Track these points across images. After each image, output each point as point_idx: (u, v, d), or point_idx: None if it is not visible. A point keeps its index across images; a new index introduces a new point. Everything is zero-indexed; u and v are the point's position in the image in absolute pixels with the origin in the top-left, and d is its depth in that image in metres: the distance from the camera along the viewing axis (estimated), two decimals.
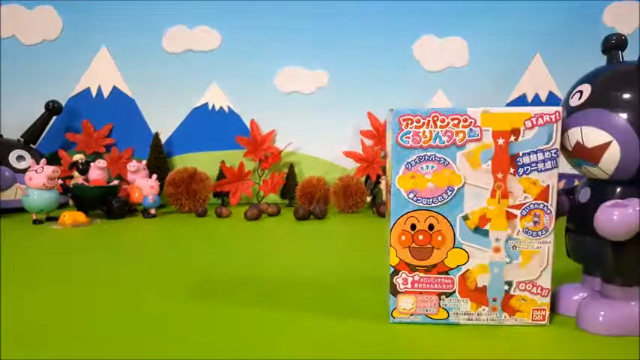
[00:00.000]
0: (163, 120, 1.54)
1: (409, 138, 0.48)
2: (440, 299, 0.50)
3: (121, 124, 1.55)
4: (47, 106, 1.46)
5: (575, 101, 0.48)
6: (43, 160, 1.17)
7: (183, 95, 1.54)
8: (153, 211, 1.24)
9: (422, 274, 0.49)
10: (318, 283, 0.65)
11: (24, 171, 1.24)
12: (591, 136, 0.45)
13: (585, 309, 0.49)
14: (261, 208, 1.25)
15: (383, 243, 0.54)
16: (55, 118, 1.52)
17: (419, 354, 0.44)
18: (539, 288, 0.49)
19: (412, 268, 0.50)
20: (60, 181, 1.20)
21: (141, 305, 0.56)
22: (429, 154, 0.48)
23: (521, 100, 1.48)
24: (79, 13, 1.53)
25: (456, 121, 0.47)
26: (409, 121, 0.48)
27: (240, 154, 1.51)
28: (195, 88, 1.54)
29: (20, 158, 1.38)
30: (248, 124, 1.52)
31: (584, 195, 0.50)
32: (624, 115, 0.44)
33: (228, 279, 0.67)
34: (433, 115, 0.47)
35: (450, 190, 0.48)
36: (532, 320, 0.50)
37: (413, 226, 0.49)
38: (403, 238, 0.49)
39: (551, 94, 1.47)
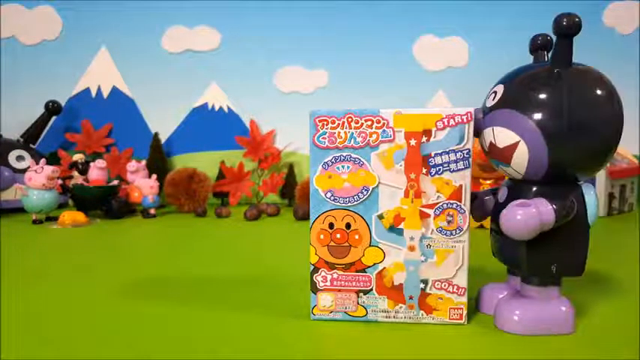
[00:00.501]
0: (163, 120, 1.54)
1: (325, 139, 0.49)
2: (358, 297, 0.51)
3: (121, 124, 1.55)
4: (47, 106, 1.46)
5: (490, 102, 0.48)
6: (43, 160, 1.17)
7: (183, 95, 1.54)
8: (152, 211, 1.24)
9: (340, 272, 0.51)
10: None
11: (23, 171, 1.24)
12: (501, 136, 0.46)
13: (501, 308, 0.49)
14: (260, 208, 1.25)
15: None
16: (54, 118, 1.52)
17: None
18: (456, 287, 0.50)
19: (331, 266, 0.51)
20: (59, 181, 1.20)
21: (137, 306, 0.56)
22: (344, 154, 0.49)
23: None
24: (79, 13, 1.53)
25: (369, 122, 0.48)
26: (325, 122, 0.49)
27: (239, 154, 1.51)
28: (195, 88, 1.54)
29: (20, 158, 1.38)
30: (248, 124, 1.52)
31: (502, 195, 0.50)
32: (532, 116, 0.44)
33: (222, 279, 0.67)
34: (347, 116, 0.49)
35: (366, 190, 0.49)
36: (449, 319, 0.50)
37: (331, 225, 0.50)
38: (322, 236, 0.50)
39: None
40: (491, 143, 0.47)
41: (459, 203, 0.49)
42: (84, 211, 1.18)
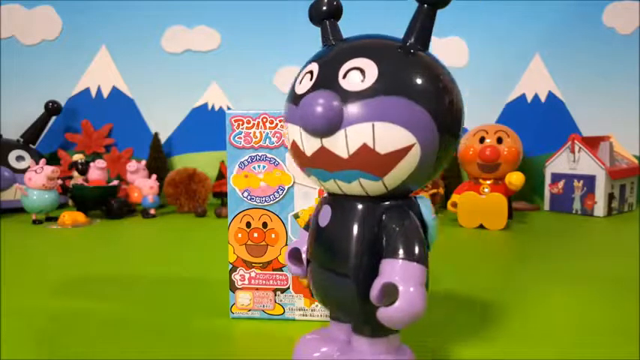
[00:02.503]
0: (163, 120, 1.54)
1: (241, 138, 0.50)
2: (275, 295, 0.52)
3: (121, 124, 1.55)
4: (46, 106, 1.46)
5: (354, 83, 0.31)
6: (43, 161, 1.17)
7: (183, 95, 1.54)
8: (152, 211, 1.24)
9: (258, 271, 0.51)
10: None
11: (23, 171, 1.24)
12: (388, 137, 0.31)
13: None
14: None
15: None
16: (54, 118, 1.51)
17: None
18: None
19: (249, 265, 0.52)
20: (59, 182, 1.20)
21: (143, 305, 0.56)
22: (260, 154, 0.50)
23: (520, 100, 1.48)
24: (79, 13, 1.53)
25: (284, 123, 0.48)
26: (240, 122, 0.50)
27: None
28: (195, 88, 1.54)
29: (20, 158, 1.38)
30: None
31: (324, 216, 0.36)
32: (428, 108, 0.31)
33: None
34: (262, 116, 0.50)
35: (281, 190, 0.50)
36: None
37: (248, 224, 0.51)
38: (239, 235, 0.51)
39: (550, 94, 1.47)
40: (363, 146, 0.31)
41: None
42: (84, 211, 1.18)
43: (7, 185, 1.29)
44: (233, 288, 0.52)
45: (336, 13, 0.37)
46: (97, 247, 0.90)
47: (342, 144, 0.31)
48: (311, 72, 0.34)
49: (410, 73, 0.32)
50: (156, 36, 1.53)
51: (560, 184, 1.32)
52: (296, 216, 0.50)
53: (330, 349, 0.37)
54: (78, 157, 1.43)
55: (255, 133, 0.50)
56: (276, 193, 0.50)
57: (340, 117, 0.31)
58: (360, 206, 0.34)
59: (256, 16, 1.51)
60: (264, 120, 0.50)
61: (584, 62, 1.45)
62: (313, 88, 0.32)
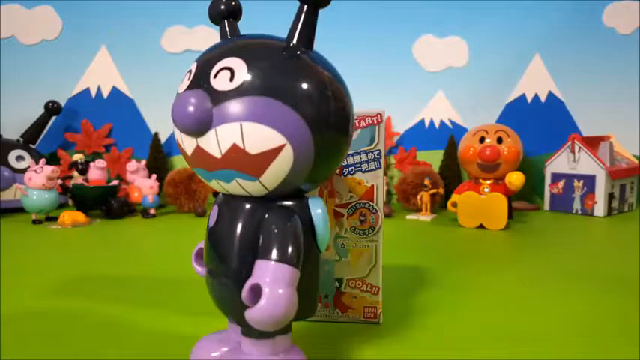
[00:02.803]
0: (163, 120, 1.54)
1: None
2: None
3: (121, 124, 1.55)
4: (46, 106, 1.46)
5: (223, 83, 0.32)
6: (43, 161, 1.17)
7: None
8: (152, 211, 1.24)
9: None
10: None
11: (23, 171, 1.24)
12: (257, 137, 0.31)
13: None
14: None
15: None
16: (54, 118, 1.51)
17: None
18: (369, 285, 0.50)
19: None
20: (59, 182, 1.20)
21: (143, 305, 0.56)
22: None
23: (520, 100, 1.48)
24: (79, 13, 1.53)
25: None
26: None
27: None
28: None
29: (20, 158, 1.38)
30: None
31: (212, 216, 0.36)
32: (299, 109, 0.32)
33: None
34: None
35: None
36: (364, 317, 0.51)
37: None
38: None
39: (550, 94, 1.47)
40: (234, 146, 0.31)
41: (371, 203, 0.49)
42: (84, 211, 1.18)
43: (7, 185, 1.29)
44: None
45: (234, 13, 0.37)
46: (97, 247, 0.90)
47: (214, 144, 0.32)
48: (190, 71, 0.34)
49: (281, 74, 0.32)
50: (156, 36, 1.53)
51: (560, 184, 1.32)
52: None
53: (224, 351, 0.38)
54: (78, 157, 1.43)
55: None
56: None
57: (210, 117, 0.31)
58: (244, 206, 0.34)
59: (256, 16, 1.51)
60: None
61: (584, 62, 1.45)
62: (188, 87, 0.33)
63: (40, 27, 1.53)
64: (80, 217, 1.12)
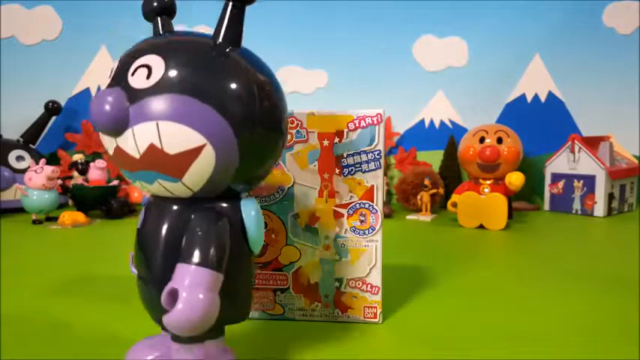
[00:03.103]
0: None
1: None
2: (275, 295, 0.51)
3: None
4: (46, 106, 1.46)
5: (140, 81, 0.31)
6: (43, 161, 1.17)
7: None
8: None
9: (258, 271, 0.51)
10: None
11: (23, 171, 1.24)
12: (174, 137, 0.30)
13: None
14: None
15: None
16: (54, 118, 1.51)
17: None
18: (369, 285, 0.50)
19: None
20: (59, 182, 1.20)
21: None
22: None
23: (520, 100, 1.48)
24: (79, 13, 1.53)
25: None
26: None
27: None
28: None
29: (20, 158, 1.38)
30: None
31: (141, 218, 0.36)
32: (221, 108, 0.31)
33: None
34: None
35: (281, 190, 0.50)
36: (364, 317, 0.51)
37: None
38: None
39: (550, 94, 1.47)
40: (151, 146, 0.30)
41: (371, 203, 0.49)
42: (84, 211, 1.18)
43: (7, 185, 1.29)
44: None
45: (167, 10, 0.36)
46: (97, 247, 0.90)
47: (132, 144, 0.31)
48: (112, 69, 0.34)
49: (200, 72, 0.31)
50: None
51: (560, 184, 1.32)
52: (296, 216, 0.50)
53: (156, 356, 0.37)
54: (78, 157, 1.43)
55: None
56: (276, 193, 0.50)
57: (126, 116, 0.30)
58: (171, 208, 0.34)
59: (256, 16, 1.51)
60: None
61: (584, 62, 1.45)
62: (108, 86, 0.32)
63: (40, 27, 1.53)
64: (80, 217, 1.12)
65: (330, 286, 0.51)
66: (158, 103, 0.30)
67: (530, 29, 1.47)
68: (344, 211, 0.50)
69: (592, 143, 1.28)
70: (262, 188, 0.50)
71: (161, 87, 0.30)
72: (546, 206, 1.35)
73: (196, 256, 0.30)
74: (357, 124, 0.48)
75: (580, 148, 1.27)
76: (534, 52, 1.47)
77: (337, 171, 0.49)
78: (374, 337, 0.48)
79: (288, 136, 0.49)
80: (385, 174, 1.40)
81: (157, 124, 0.30)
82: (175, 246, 0.32)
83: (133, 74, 0.31)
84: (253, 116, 0.32)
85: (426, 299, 0.58)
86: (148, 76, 0.31)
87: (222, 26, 0.33)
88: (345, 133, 0.48)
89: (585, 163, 1.26)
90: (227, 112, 0.31)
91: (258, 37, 1.63)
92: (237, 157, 0.32)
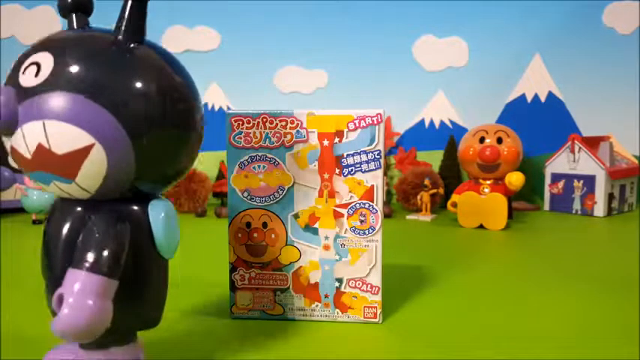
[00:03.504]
0: None
1: (241, 138, 0.50)
2: (275, 295, 0.51)
3: None
4: None
5: (29, 79, 0.30)
6: None
7: None
8: None
9: (258, 271, 0.51)
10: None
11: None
12: (60, 136, 0.29)
13: None
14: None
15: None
16: None
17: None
18: (369, 285, 0.51)
19: (249, 265, 0.51)
20: None
21: None
22: (260, 154, 0.50)
23: (520, 100, 1.48)
24: None
25: (284, 123, 0.49)
26: (240, 122, 0.49)
27: None
28: None
29: None
30: None
31: (46, 220, 0.35)
32: (113, 107, 0.30)
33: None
34: (262, 116, 0.49)
35: (281, 190, 0.50)
36: (364, 317, 0.51)
37: (248, 224, 0.51)
38: (239, 235, 0.51)
39: (550, 94, 1.47)
40: (39, 146, 0.30)
41: (371, 203, 0.49)
42: None
43: (7, 185, 1.29)
44: (233, 288, 0.52)
45: (83, 6, 0.34)
46: None
47: (23, 144, 0.31)
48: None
49: (94, 69, 0.30)
50: (156, 36, 1.53)
51: (560, 184, 1.32)
52: (296, 216, 0.50)
53: None
54: None
55: (255, 133, 0.49)
56: (276, 193, 0.50)
57: (15, 114, 0.30)
58: (73, 209, 0.33)
59: (256, 16, 1.51)
60: (264, 120, 0.49)
61: (584, 62, 1.44)
62: (6, 84, 0.31)
63: (40, 27, 1.53)
64: None
65: (330, 286, 0.51)
66: (45, 102, 0.29)
67: (530, 29, 1.47)
68: (344, 211, 0.50)
69: (592, 143, 1.28)
70: (261, 188, 0.50)
71: (49, 85, 0.29)
72: (546, 206, 1.35)
73: (88, 260, 0.29)
74: (357, 124, 0.49)
75: (580, 148, 1.27)
76: (534, 52, 1.47)
77: (337, 171, 0.49)
78: (374, 336, 0.48)
79: (289, 136, 0.49)
80: (385, 174, 1.40)
81: (44, 123, 0.29)
82: (70, 250, 0.31)
83: (23, 72, 0.30)
84: (150, 115, 0.31)
85: (426, 299, 0.58)
86: (37, 74, 0.30)
87: (122, 20, 0.32)
88: (345, 133, 0.49)
89: (585, 163, 1.26)
90: (119, 111, 0.30)
91: (258, 37, 1.64)
92: (132, 158, 0.31)
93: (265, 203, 0.50)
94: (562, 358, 0.43)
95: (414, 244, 0.92)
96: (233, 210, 0.51)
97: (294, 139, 0.49)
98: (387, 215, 1.22)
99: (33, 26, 1.53)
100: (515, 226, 1.10)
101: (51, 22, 1.53)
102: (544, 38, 1.46)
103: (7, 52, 1.53)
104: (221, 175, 1.46)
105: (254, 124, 0.49)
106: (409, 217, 1.22)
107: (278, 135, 0.49)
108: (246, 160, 0.50)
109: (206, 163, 1.47)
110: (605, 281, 0.65)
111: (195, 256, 0.82)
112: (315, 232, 0.50)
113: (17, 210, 1.25)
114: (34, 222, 1.13)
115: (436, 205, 1.30)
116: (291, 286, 0.51)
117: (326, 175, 0.49)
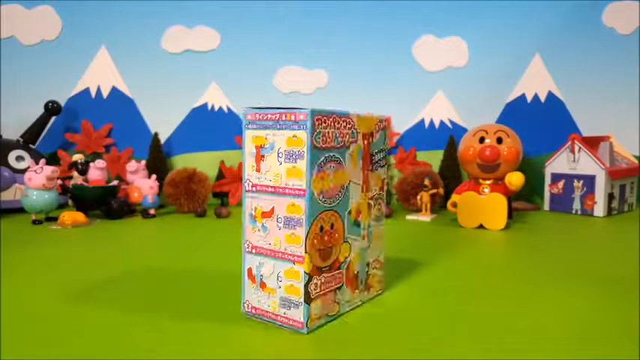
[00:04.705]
0: (163, 120, 1.54)
1: (320, 139, 0.47)
2: (335, 295, 0.52)
3: (121, 125, 1.55)
4: (46, 106, 1.46)
5: None
6: (43, 161, 1.17)
7: (183, 95, 1.54)
8: (152, 212, 1.24)
9: (326, 275, 0.50)
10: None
11: (23, 171, 1.24)
12: None
13: None
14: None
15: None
16: (54, 118, 1.51)
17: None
18: (380, 263, 0.59)
19: (320, 271, 0.49)
20: (59, 182, 1.20)
21: (143, 305, 0.56)
22: (331, 154, 0.49)
23: (520, 100, 1.48)
24: (79, 13, 1.53)
25: (344, 123, 0.50)
26: (320, 122, 0.47)
27: (239, 154, 1.51)
28: (195, 88, 1.54)
29: (19, 158, 1.38)
30: None
31: None
32: None
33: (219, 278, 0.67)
34: (333, 116, 0.49)
35: (343, 189, 0.51)
36: (377, 291, 0.58)
37: (321, 228, 0.48)
38: (315, 241, 0.48)
39: (550, 94, 1.47)
40: None
41: (382, 193, 0.58)
42: (84, 211, 1.18)
43: (7, 185, 1.29)
44: (308, 299, 0.47)
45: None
46: (97, 247, 0.90)
47: None
48: None
49: None
50: (156, 36, 1.53)
51: (560, 184, 1.32)
52: (349, 212, 0.52)
53: None
54: (78, 157, 1.43)
55: (329, 133, 0.48)
56: (339, 193, 0.50)
57: None
58: None
59: (256, 16, 1.51)
60: (334, 120, 0.48)
61: (584, 62, 1.45)
62: None
63: (40, 27, 1.53)
64: (80, 217, 1.12)
65: (364, 272, 0.55)
66: None
67: (530, 29, 1.47)
68: (372, 202, 0.55)
69: (592, 143, 1.28)
70: (331, 189, 0.49)
71: None
72: (546, 206, 1.35)
73: None
74: (380, 126, 0.55)
75: (580, 148, 1.27)
76: (534, 52, 1.47)
77: (370, 167, 0.55)
78: (374, 336, 0.47)
79: (347, 137, 0.50)
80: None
81: None
82: None
83: None
84: None
85: (425, 299, 0.58)
86: None
87: None
88: (374, 134, 0.54)
89: (585, 163, 1.26)
90: None
91: (258, 37, 1.65)
92: None
93: (333, 204, 0.49)
94: (562, 357, 0.43)
95: (414, 244, 0.91)
96: (311, 215, 0.47)
97: (350, 139, 0.51)
98: (387, 215, 1.22)
99: (33, 26, 1.53)
100: (515, 226, 1.10)
101: (51, 22, 1.53)
102: (544, 38, 1.46)
103: (7, 52, 1.53)
104: (221, 175, 1.46)
105: (328, 123, 0.48)
106: (409, 217, 1.22)
107: (342, 135, 0.49)
108: (322, 161, 0.47)
109: (206, 163, 1.48)
110: (605, 281, 0.65)
111: (195, 256, 0.82)
112: (359, 224, 0.54)
113: (17, 210, 1.25)
114: (34, 222, 1.13)
115: (436, 205, 1.30)
116: (344, 282, 0.52)
117: (366, 172, 0.54)
